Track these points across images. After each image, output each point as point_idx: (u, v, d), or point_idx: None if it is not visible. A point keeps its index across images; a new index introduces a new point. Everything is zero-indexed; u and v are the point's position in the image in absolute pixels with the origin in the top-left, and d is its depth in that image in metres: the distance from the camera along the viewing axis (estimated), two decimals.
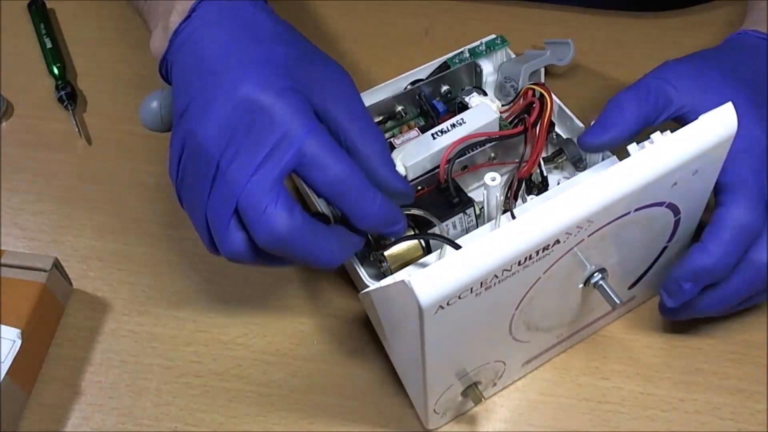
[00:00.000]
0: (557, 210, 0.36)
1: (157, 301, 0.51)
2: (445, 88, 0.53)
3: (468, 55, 0.54)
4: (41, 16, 0.63)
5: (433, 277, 0.35)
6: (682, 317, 0.47)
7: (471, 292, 0.36)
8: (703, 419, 0.46)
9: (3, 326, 0.45)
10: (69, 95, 0.59)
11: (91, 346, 0.49)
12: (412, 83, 0.53)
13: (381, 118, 0.52)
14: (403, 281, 0.35)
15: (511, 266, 0.36)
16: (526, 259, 0.36)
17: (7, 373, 0.44)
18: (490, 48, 0.55)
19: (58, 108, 0.59)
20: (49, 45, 0.61)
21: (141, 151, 0.57)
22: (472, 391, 0.44)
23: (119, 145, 0.58)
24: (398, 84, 0.53)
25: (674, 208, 0.42)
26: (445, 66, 0.53)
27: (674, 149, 0.38)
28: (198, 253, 0.52)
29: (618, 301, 0.42)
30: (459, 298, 0.36)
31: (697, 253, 0.43)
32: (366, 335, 0.49)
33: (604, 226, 0.39)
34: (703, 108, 0.40)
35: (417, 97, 0.52)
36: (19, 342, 0.45)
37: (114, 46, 0.61)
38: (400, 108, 0.52)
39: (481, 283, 0.36)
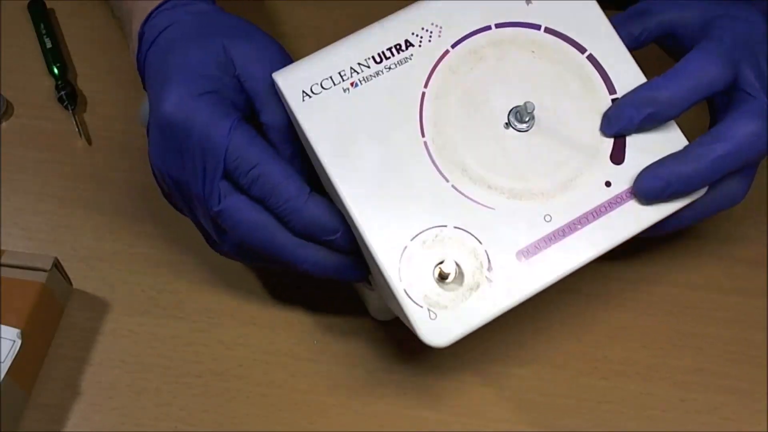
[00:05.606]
0: (399, 14, 0.42)
1: (157, 301, 0.51)
2: None
3: None
4: (41, 16, 0.63)
5: (292, 66, 0.40)
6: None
7: (333, 83, 0.39)
8: (703, 419, 0.46)
9: (3, 326, 0.45)
10: (69, 95, 0.59)
11: (91, 346, 0.49)
12: None
13: None
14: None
15: (366, 60, 0.40)
16: (381, 57, 0.41)
17: (7, 373, 0.44)
18: None
19: (58, 108, 0.59)
20: (49, 45, 0.61)
21: (141, 151, 0.57)
22: (444, 269, 0.38)
23: (119, 145, 0.58)
24: None
25: (568, 40, 0.42)
26: None
27: None
28: (198, 253, 0.52)
29: (530, 113, 0.40)
30: (322, 87, 0.39)
31: (647, 83, 0.41)
32: (367, 335, 0.49)
33: (466, 37, 0.41)
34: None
35: None
36: (19, 342, 0.45)
37: (114, 46, 0.61)
38: None
39: (341, 75, 0.40)
